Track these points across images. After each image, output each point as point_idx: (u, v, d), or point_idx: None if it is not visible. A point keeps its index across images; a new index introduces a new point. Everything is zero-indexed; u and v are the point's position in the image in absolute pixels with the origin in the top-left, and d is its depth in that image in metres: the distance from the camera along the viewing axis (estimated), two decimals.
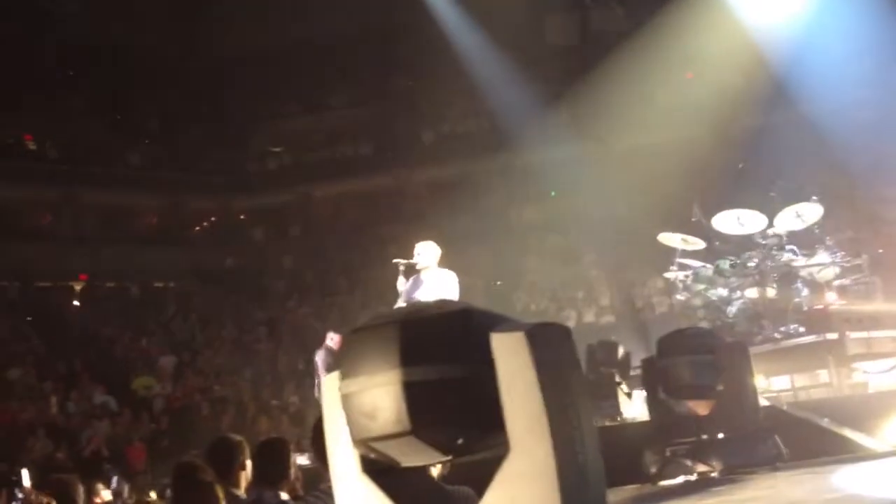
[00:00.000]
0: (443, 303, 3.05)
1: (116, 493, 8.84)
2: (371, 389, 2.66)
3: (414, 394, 2.59)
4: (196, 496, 4.74)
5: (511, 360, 2.61)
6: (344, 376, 2.76)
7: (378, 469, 2.90)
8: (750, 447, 6.31)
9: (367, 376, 2.67)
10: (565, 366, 2.72)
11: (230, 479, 5.21)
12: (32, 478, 6.86)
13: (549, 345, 2.67)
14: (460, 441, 2.70)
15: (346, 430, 2.82)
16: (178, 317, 20.86)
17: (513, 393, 2.59)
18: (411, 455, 2.75)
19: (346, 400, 2.75)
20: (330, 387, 2.87)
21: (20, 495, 5.91)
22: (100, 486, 7.90)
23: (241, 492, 5.20)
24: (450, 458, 2.82)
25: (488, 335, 2.64)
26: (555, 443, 2.54)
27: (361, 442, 2.76)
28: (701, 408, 6.42)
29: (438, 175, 23.46)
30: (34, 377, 16.74)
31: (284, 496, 4.98)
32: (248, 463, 5.34)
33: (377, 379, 2.64)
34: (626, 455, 6.54)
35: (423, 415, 2.59)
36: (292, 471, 5.23)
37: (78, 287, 21.59)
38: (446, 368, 2.60)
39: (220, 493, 4.65)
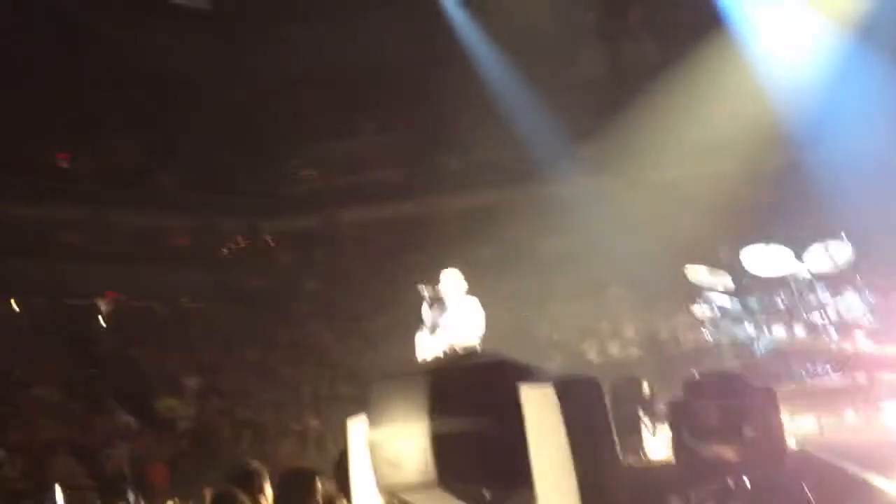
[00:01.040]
0: (473, 354, 3.04)
1: None
2: (399, 439, 2.65)
3: (441, 445, 2.57)
4: None
5: (540, 413, 2.59)
6: (372, 424, 2.76)
7: None
8: (777, 495, 6.21)
9: (396, 425, 2.66)
10: (594, 420, 2.70)
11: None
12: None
13: (578, 399, 2.65)
14: (486, 494, 2.67)
15: (372, 476, 2.81)
16: (203, 338, 20.95)
17: (541, 447, 2.57)
18: None
19: (373, 448, 2.74)
20: (357, 433, 2.87)
21: None
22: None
23: None
24: None
25: (517, 387, 2.62)
26: (583, 499, 2.51)
27: (387, 490, 2.75)
28: (728, 452, 6.33)
29: (465, 203, 23.49)
30: (60, 395, 16.83)
31: None
32: (269, 489, 5.35)
33: (405, 429, 2.63)
34: (650, 499, 6.46)
35: (450, 467, 2.58)
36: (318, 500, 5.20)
37: (105, 306, 21.74)
38: (474, 421, 2.58)
39: None
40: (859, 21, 16.43)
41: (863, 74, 15.86)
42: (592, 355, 16.28)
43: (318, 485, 5.10)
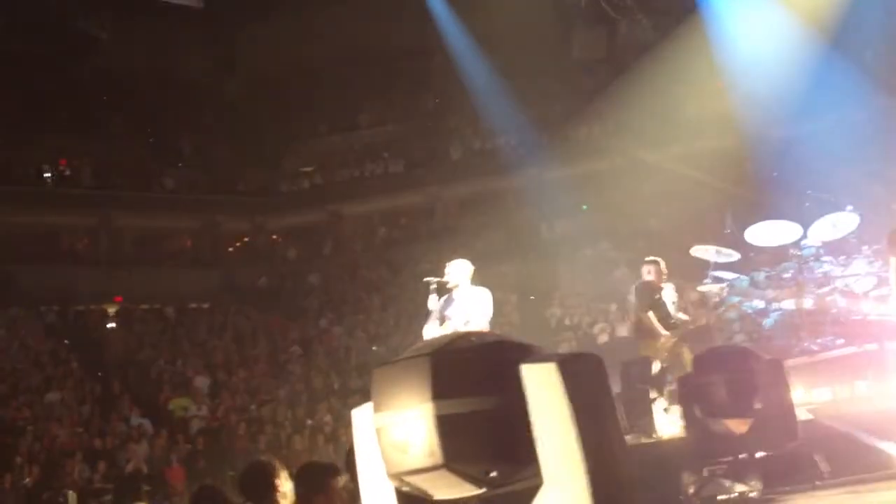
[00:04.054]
0: (473, 334, 3.04)
1: None
2: (403, 423, 2.65)
3: (446, 427, 2.57)
4: None
5: (542, 391, 2.59)
6: (376, 409, 2.76)
7: (410, 499, 2.88)
8: (789, 466, 6.21)
9: (400, 410, 2.67)
10: (597, 396, 2.70)
11: (267, 502, 5.22)
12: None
13: (580, 375, 2.65)
14: (493, 474, 2.68)
15: (380, 462, 2.81)
16: (213, 337, 21.01)
17: (545, 425, 2.57)
18: (444, 488, 2.73)
19: (379, 433, 2.74)
20: (362, 420, 2.87)
21: None
22: None
23: None
24: (482, 490, 2.80)
25: (519, 367, 2.62)
26: (589, 476, 2.51)
27: (395, 475, 2.76)
28: (739, 426, 6.31)
29: (468, 191, 23.47)
30: (72, 399, 16.92)
31: None
32: (288, 484, 5.35)
33: (409, 412, 2.63)
34: (662, 475, 6.45)
35: (456, 448, 2.58)
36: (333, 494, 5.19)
37: (113, 310, 21.82)
38: (478, 401, 2.59)
39: None
40: None
41: (866, 40, 15.78)
42: (603, 337, 16.26)
43: (339, 478, 5.10)
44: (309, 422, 16.72)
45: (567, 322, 18.01)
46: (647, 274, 9.88)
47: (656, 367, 9.65)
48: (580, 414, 2.59)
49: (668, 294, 9.75)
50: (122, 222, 23.71)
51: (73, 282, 21.63)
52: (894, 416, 7.92)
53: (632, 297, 10.13)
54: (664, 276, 9.77)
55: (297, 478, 5.32)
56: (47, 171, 23.43)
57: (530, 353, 2.73)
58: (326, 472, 5.20)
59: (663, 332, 9.47)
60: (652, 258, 9.95)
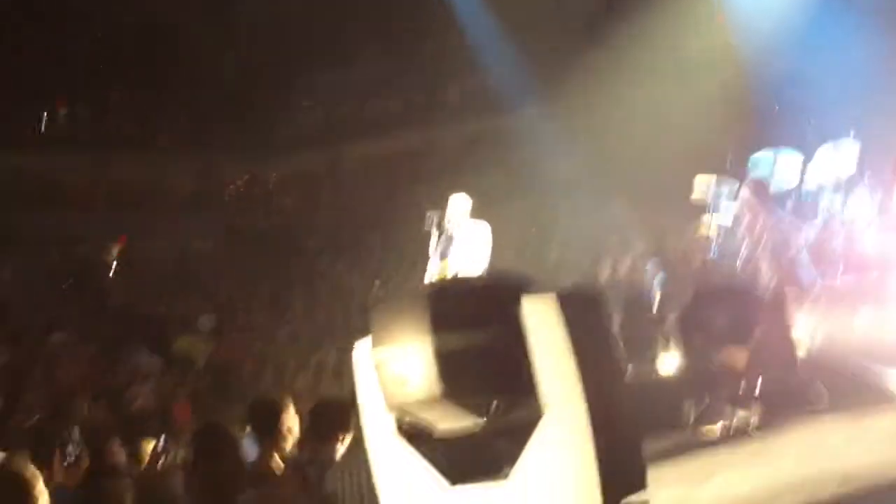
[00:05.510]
0: (472, 270, 3.03)
1: (163, 452, 8.98)
2: (404, 357, 2.66)
3: (446, 360, 2.58)
4: (215, 455, 4.84)
5: (542, 323, 2.59)
6: (375, 345, 2.77)
7: (412, 430, 2.91)
8: (790, 393, 6.27)
9: (399, 344, 2.67)
10: (598, 330, 2.70)
11: (274, 437, 5.30)
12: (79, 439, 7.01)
13: (580, 309, 2.64)
14: (494, 405, 2.69)
15: (379, 396, 2.83)
16: (215, 277, 21.09)
17: (545, 358, 2.57)
18: (445, 420, 2.75)
19: (378, 368, 2.76)
20: (362, 354, 2.88)
21: (73, 454, 6.05)
22: (146, 443, 8.06)
23: (288, 448, 5.28)
24: (484, 421, 2.82)
25: (519, 300, 2.62)
26: (589, 409, 2.52)
27: (396, 408, 2.78)
28: (739, 356, 6.37)
29: (468, 131, 23.30)
30: (76, 340, 17.04)
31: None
32: (294, 420, 5.41)
33: (409, 347, 2.64)
34: (664, 404, 6.52)
35: (457, 380, 2.59)
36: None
37: (116, 251, 21.86)
38: (477, 334, 2.59)
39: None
40: None
41: None
42: (604, 274, 16.30)
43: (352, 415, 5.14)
44: (313, 359, 16.85)
45: (568, 260, 18.02)
46: None
47: (658, 300, 9.70)
48: (580, 347, 2.59)
49: None
50: (119, 164, 23.60)
51: (74, 224, 21.63)
52: (894, 345, 7.99)
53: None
54: None
55: (312, 412, 5.34)
56: (44, 113, 23.27)
57: (530, 286, 2.73)
58: (344, 408, 5.22)
59: None
60: None
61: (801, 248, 8.89)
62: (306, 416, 5.66)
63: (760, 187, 9.03)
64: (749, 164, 11.04)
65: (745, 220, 9.46)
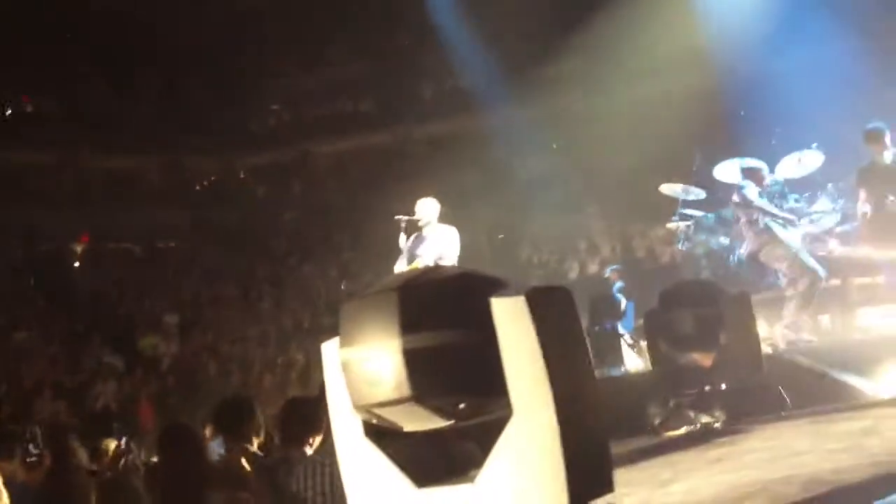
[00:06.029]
0: (441, 268, 3.03)
1: (125, 452, 8.89)
2: (371, 357, 2.65)
3: (414, 360, 2.58)
4: (182, 455, 4.81)
5: (512, 324, 2.60)
6: (344, 344, 2.76)
7: (380, 432, 2.90)
8: (753, 397, 6.34)
9: (367, 344, 2.66)
10: (566, 328, 2.71)
11: (242, 437, 5.25)
12: (41, 437, 6.92)
13: (549, 308, 2.66)
14: (462, 406, 2.70)
15: (348, 395, 2.82)
16: (181, 275, 20.91)
17: (514, 357, 2.58)
18: (413, 420, 2.75)
19: (346, 367, 2.75)
20: (330, 353, 2.87)
21: (35, 452, 5.98)
22: (108, 442, 7.95)
23: (256, 448, 5.24)
24: (452, 422, 2.82)
25: (488, 300, 2.62)
26: (557, 406, 2.54)
27: (363, 408, 2.77)
28: (704, 359, 6.43)
29: (440, 130, 23.31)
30: (39, 339, 16.83)
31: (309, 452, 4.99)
32: (261, 420, 5.37)
33: (377, 347, 2.63)
34: (629, 407, 6.57)
35: (424, 381, 2.59)
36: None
37: (80, 248, 21.60)
38: (446, 334, 2.59)
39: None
40: None
41: None
42: (573, 274, 16.39)
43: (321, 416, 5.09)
44: (279, 359, 16.77)
45: (536, 260, 18.11)
46: None
47: (624, 303, 9.77)
48: (549, 346, 2.61)
49: None
50: (89, 160, 23.32)
51: (39, 220, 21.32)
52: (856, 349, 8.09)
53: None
54: None
55: (282, 413, 5.30)
56: (9, 108, 22.93)
57: (500, 287, 2.74)
58: (314, 405, 5.18)
59: None
60: None
61: (768, 253, 8.95)
62: (274, 417, 5.63)
63: (751, 189, 9.12)
64: (714, 172, 11.15)
65: (739, 221, 9.57)
